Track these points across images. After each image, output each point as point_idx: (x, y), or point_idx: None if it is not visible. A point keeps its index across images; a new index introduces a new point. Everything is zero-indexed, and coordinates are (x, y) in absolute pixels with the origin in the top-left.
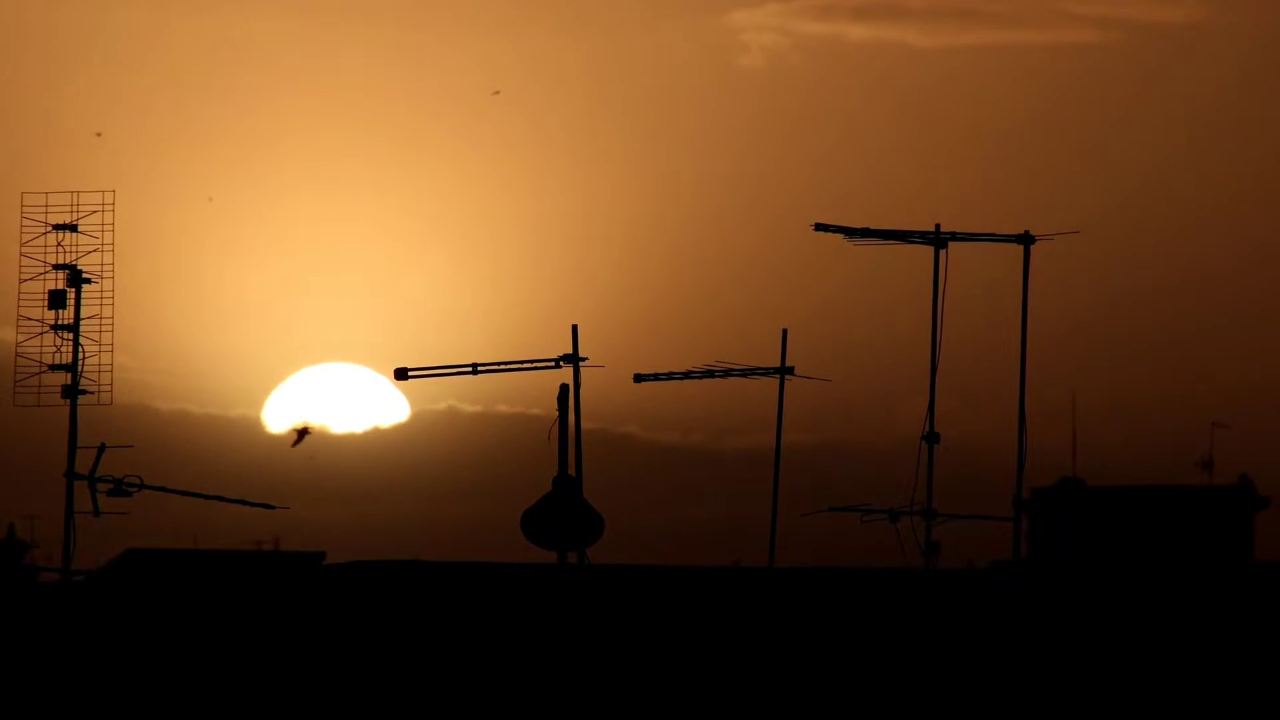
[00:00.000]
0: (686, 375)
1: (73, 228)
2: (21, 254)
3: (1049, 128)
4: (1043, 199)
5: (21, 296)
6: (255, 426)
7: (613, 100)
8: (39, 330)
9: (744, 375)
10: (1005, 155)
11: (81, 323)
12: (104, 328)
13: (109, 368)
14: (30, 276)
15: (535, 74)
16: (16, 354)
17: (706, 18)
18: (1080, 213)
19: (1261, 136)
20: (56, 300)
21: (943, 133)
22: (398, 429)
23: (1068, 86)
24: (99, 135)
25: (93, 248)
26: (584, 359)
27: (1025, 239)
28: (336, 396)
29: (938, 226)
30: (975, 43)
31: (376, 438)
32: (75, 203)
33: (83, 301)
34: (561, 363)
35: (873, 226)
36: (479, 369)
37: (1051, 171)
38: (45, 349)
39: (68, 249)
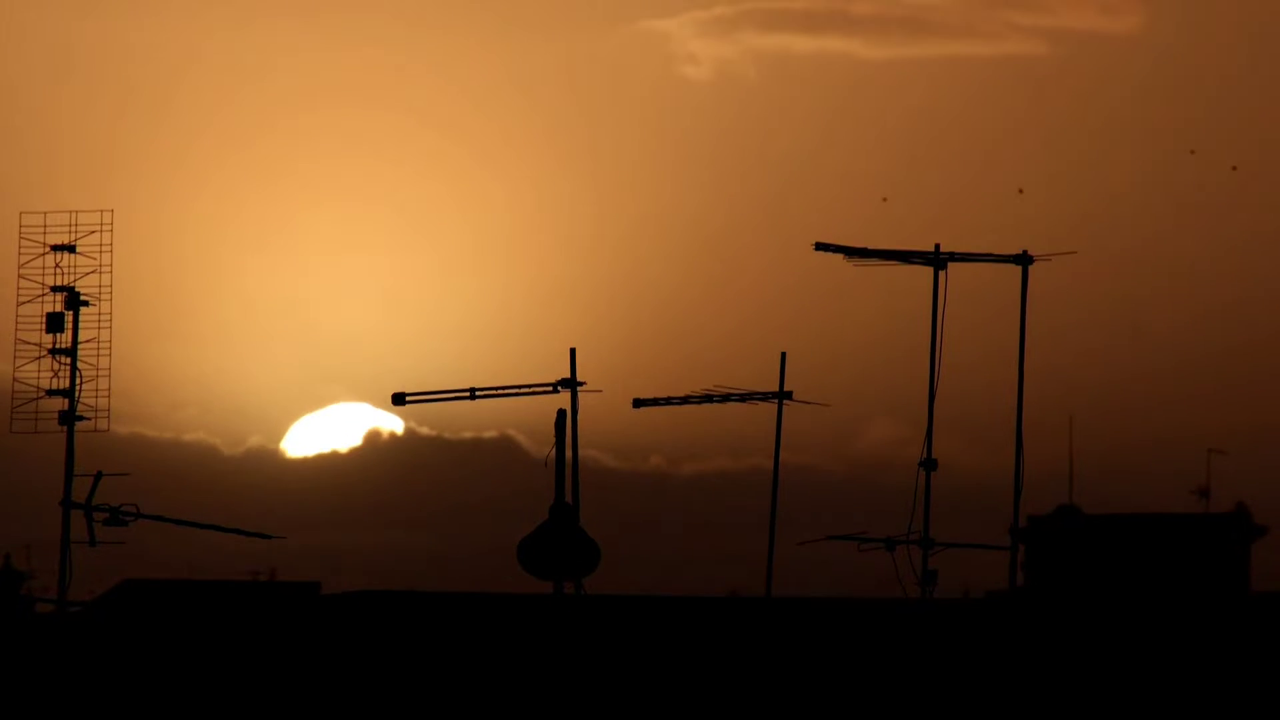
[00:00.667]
0: (685, 400)
1: (70, 248)
2: (19, 275)
3: (996, 139)
4: (960, 213)
5: (19, 319)
6: (256, 453)
7: (611, 123)
8: (36, 355)
9: (743, 400)
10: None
11: (79, 346)
12: (101, 351)
13: (106, 393)
14: (28, 299)
15: (534, 98)
16: (14, 379)
17: (641, 24)
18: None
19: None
20: (54, 324)
21: (890, 144)
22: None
23: (1014, 97)
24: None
25: (91, 269)
26: (582, 383)
27: (1023, 259)
28: None
29: (937, 247)
30: (923, 55)
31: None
32: (74, 223)
33: (80, 324)
34: (559, 387)
35: (870, 246)
36: (476, 394)
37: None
38: (42, 374)
39: (65, 270)
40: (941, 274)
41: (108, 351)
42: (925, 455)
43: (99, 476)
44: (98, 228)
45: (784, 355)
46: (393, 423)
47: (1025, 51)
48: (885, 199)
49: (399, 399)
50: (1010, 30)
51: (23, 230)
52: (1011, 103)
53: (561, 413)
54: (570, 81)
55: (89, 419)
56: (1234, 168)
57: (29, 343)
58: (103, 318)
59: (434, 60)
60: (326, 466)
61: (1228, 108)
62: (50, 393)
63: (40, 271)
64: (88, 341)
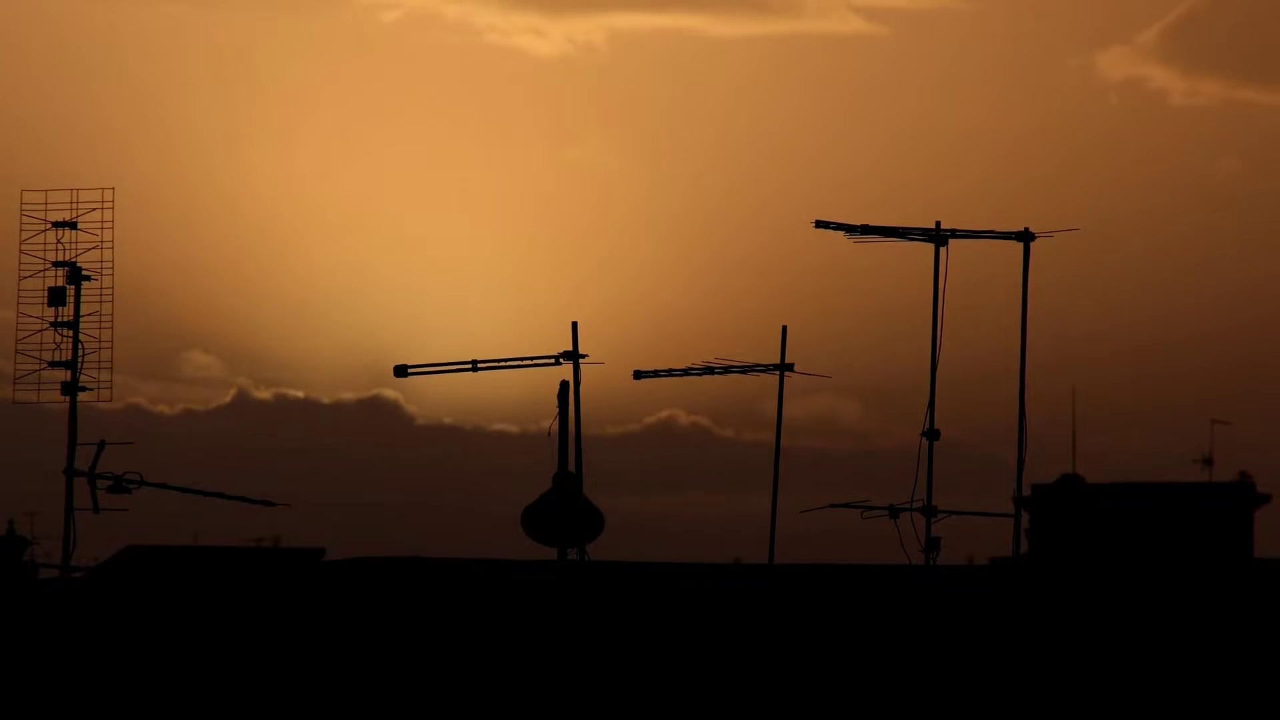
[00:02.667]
0: (686, 372)
1: (72, 225)
2: (21, 251)
3: (837, 116)
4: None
5: (21, 293)
6: (259, 421)
7: (606, 97)
8: (39, 327)
9: (744, 372)
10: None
11: (81, 320)
12: (104, 324)
13: (109, 364)
14: (30, 274)
15: (535, 73)
16: (16, 350)
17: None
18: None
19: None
20: (56, 297)
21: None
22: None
23: (851, 76)
24: None
25: (92, 245)
26: (584, 356)
27: (1025, 236)
28: None
29: (938, 224)
30: (770, 33)
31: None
32: (75, 200)
33: (82, 298)
34: (561, 360)
35: (873, 224)
36: (479, 366)
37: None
38: (45, 346)
39: (67, 246)
40: (942, 250)
41: (109, 324)
42: (928, 425)
43: (102, 445)
44: (99, 204)
45: (785, 328)
46: (394, 393)
47: (860, 30)
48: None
49: (401, 371)
50: (847, 9)
51: (25, 207)
52: (854, 79)
53: (564, 384)
54: (573, 57)
55: (91, 389)
56: None
57: (32, 316)
58: (104, 292)
59: (437, 51)
60: (327, 433)
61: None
62: (53, 364)
63: (42, 247)
64: (90, 315)
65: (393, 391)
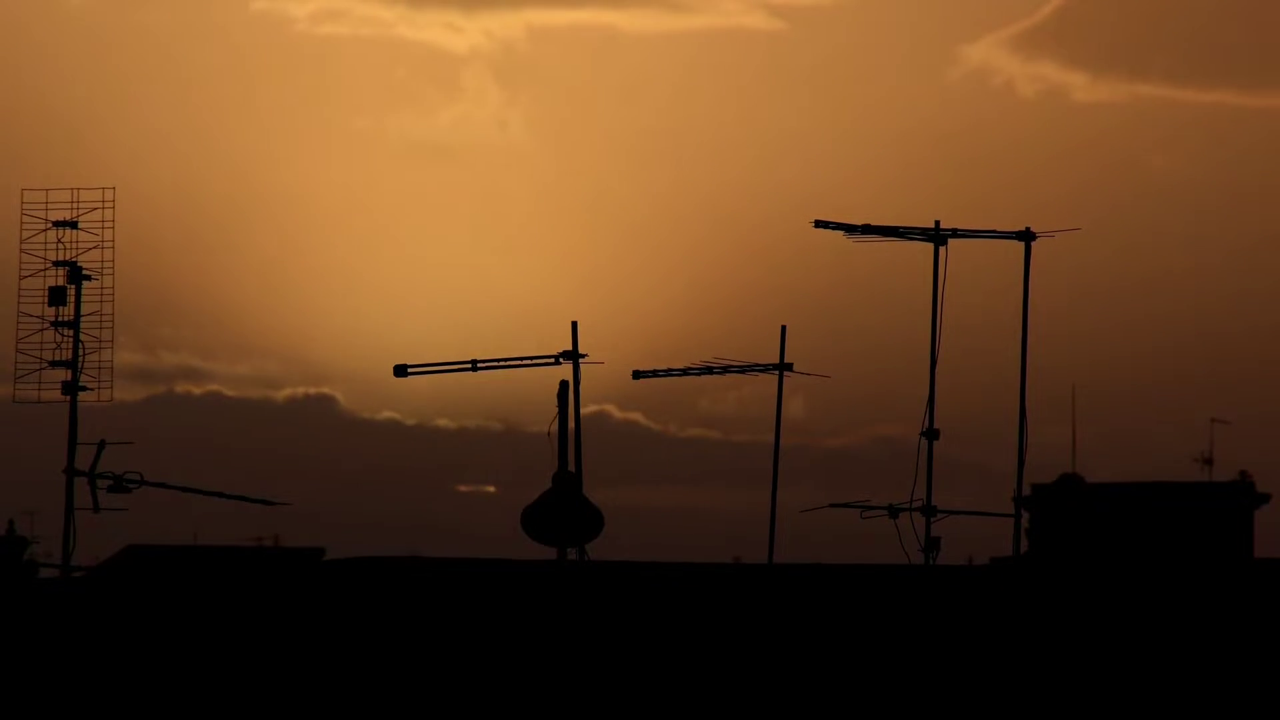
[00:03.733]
0: (685, 372)
1: (73, 224)
2: (21, 250)
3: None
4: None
5: (21, 293)
6: (260, 421)
7: (614, 97)
8: (39, 327)
9: (743, 372)
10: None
11: (82, 319)
12: (104, 324)
13: (109, 364)
14: (30, 273)
15: (536, 70)
16: (17, 350)
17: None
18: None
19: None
20: (56, 297)
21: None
22: None
23: (749, 71)
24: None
25: (93, 244)
26: (584, 355)
27: (1026, 235)
28: None
29: (937, 223)
30: (683, 28)
31: None
32: (76, 199)
33: (83, 298)
34: (561, 359)
35: (872, 223)
36: (478, 365)
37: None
38: (45, 345)
39: (68, 245)
40: (942, 250)
41: (110, 324)
42: (927, 425)
43: (102, 445)
44: (100, 204)
45: (784, 328)
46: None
47: (759, 25)
48: None
49: (400, 370)
50: (748, 6)
51: (25, 206)
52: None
53: (564, 384)
54: (574, 55)
55: (92, 389)
56: None
57: (32, 315)
58: (105, 291)
59: (436, 38)
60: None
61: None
62: (53, 364)
63: (43, 247)
64: (90, 314)
65: (392, 391)
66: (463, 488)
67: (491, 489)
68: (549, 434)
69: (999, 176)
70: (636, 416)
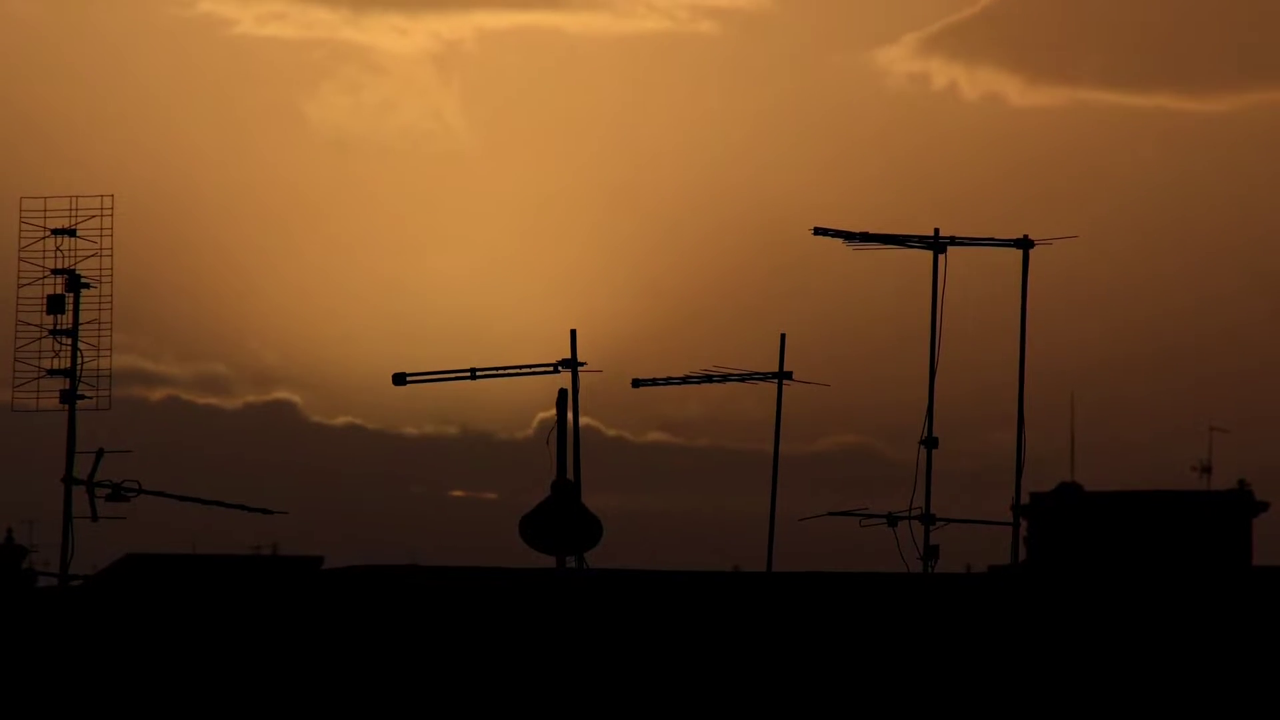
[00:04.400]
0: (684, 380)
1: (71, 232)
2: (20, 258)
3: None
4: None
5: (20, 301)
6: (259, 429)
7: (606, 105)
8: (37, 335)
9: (742, 380)
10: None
11: (80, 327)
12: (102, 332)
13: (107, 372)
14: (29, 281)
15: (534, 78)
16: (15, 358)
17: None
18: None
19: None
20: (55, 305)
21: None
22: None
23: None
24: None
25: (91, 252)
26: (583, 364)
27: (1024, 243)
28: None
29: (936, 231)
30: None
31: None
32: (74, 207)
33: (81, 306)
34: (560, 368)
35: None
36: (478, 374)
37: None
38: (43, 353)
39: (66, 253)
40: (941, 257)
41: (108, 332)
42: (926, 433)
43: (101, 453)
44: (98, 212)
45: (783, 336)
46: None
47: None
48: None
49: (399, 379)
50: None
51: (24, 214)
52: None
53: (563, 392)
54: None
55: (90, 397)
56: None
57: (30, 324)
58: (103, 299)
59: (435, 38)
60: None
61: None
62: (51, 372)
63: (41, 255)
64: (89, 322)
65: (391, 399)
66: (459, 493)
67: (493, 495)
68: (548, 442)
69: (910, 179)
70: (636, 424)
